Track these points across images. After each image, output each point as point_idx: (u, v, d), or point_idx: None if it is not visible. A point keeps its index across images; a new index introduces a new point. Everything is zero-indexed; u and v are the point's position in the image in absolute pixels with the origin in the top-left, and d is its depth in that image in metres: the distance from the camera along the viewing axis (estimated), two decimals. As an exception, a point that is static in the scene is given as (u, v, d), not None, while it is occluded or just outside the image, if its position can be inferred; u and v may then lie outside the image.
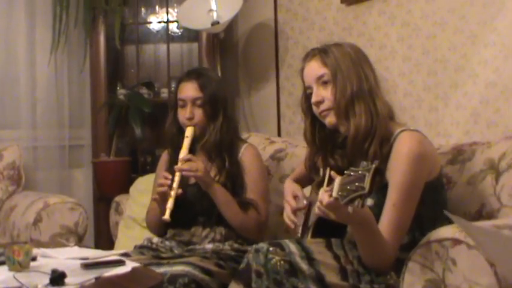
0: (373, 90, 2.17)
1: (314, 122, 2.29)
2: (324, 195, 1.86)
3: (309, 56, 2.27)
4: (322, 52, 2.22)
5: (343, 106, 2.14)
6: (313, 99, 2.21)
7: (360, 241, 2.02)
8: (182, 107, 2.84)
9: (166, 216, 2.65)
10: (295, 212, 2.45)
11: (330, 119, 2.19)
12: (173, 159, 2.83)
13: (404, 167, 2.03)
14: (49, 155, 4.29)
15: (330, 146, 2.27)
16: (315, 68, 2.22)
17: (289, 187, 2.56)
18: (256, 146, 2.99)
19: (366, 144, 2.11)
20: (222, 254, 2.66)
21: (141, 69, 4.41)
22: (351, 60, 2.18)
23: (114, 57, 4.41)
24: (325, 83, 2.19)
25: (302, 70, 2.28)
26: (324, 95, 2.19)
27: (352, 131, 2.12)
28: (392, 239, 2.01)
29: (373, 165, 1.73)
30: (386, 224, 2.02)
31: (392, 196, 2.04)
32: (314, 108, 2.23)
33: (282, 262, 2.00)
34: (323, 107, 2.19)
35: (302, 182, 2.59)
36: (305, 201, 2.45)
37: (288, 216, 2.45)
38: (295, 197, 2.50)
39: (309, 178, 2.49)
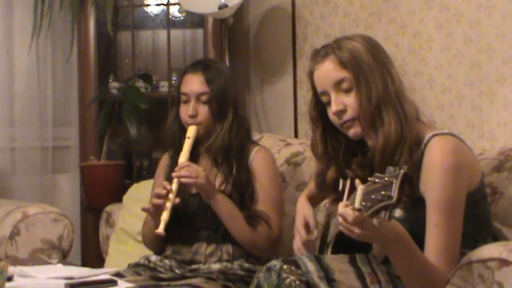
0: (399, 91, 2.15)
1: (326, 132, 2.26)
2: (346, 209, 1.85)
3: (318, 55, 2.21)
4: (336, 50, 2.17)
5: (369, 115, 2.12)
6: (334, 108, 2.16)
7: (400, 265, 1.99)
8: (185, 102, 2.84)
9: (160, 229, 2.63)
10: (305, 244, 2.43)
11: (355, 130, 2.16)
12: (174, 163, 2.82)
13: (440, 180, 2.02)
14: (29, 157, 4.30)
15: (345, 155, 2.25)
16: (332, 71, 2.16)
17: (302, 210, 2.53)
18: (269, 150, 2.99)
19: (396, 156, 2.08)
20: (230, 275, 2.67)
21: (137, 59, 4.41)
22: (372, 57, 2.15)
23: (105, 44, 4.43)
24: (346, 88, 2.15)
25: (311, 73, 2.22)
26: (346, 102, 2.15)
27: (381, 143, 2.09)
28: (442, 265, 1.99)
29: (402, 171, 1.72)
30: (431, 248, 2.01)
31: (433, 216, 2.03)
32: (334, 118, 2.18)
33: (297, 282, 2.00)
34: (346, 117, 2.16)
35: (317, 198, 2.60)
36: (316, 233, 2.45)
37: (298, 249, 2.44)
38: (306, 225, 2.48)
39: (323, 195, 2.50)
